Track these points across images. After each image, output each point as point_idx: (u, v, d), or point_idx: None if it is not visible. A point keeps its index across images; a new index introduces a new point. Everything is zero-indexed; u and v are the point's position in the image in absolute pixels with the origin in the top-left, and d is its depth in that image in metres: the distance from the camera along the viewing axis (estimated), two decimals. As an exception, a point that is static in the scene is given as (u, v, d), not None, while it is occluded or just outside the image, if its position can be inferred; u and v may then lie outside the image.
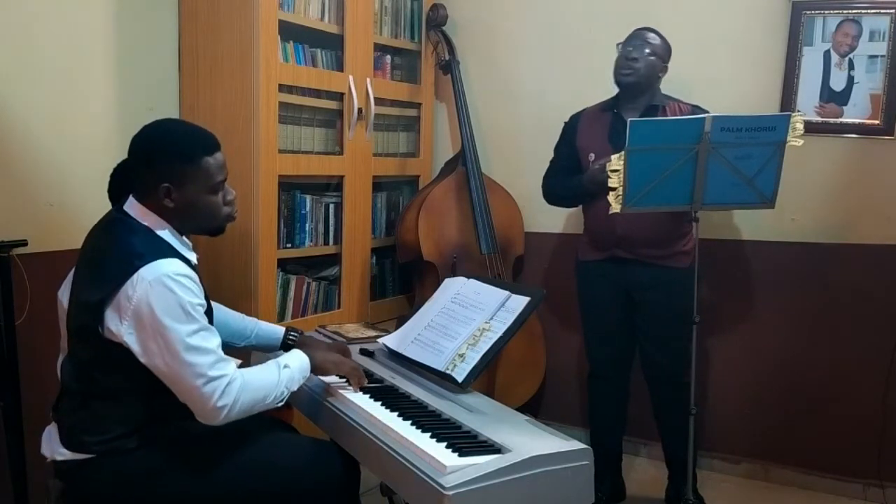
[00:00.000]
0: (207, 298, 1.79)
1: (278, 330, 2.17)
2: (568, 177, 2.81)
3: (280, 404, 1.78)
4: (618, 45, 2.74)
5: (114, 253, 1.70)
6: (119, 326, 1.64)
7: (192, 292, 1.67)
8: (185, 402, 1.68)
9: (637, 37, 2.72)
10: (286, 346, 2.11)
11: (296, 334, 2.17)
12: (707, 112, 2.70)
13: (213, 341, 1.69)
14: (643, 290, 2.73)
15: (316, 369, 1.90)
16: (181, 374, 1.64)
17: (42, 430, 1.87)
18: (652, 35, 2.72)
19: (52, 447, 1.79)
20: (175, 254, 1.73)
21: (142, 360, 1.65)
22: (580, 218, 3.29)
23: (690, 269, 2.59)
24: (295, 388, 1.82)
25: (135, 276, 1.63)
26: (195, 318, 1.66)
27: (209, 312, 1.78)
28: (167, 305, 1.62)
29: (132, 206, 1.77)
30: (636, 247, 2.69)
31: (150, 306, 1.62)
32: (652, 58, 2.68)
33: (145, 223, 1.75)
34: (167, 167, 1.73)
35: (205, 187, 1.76)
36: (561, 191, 2.90)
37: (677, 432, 2.68)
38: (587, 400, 3.01)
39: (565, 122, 2.93)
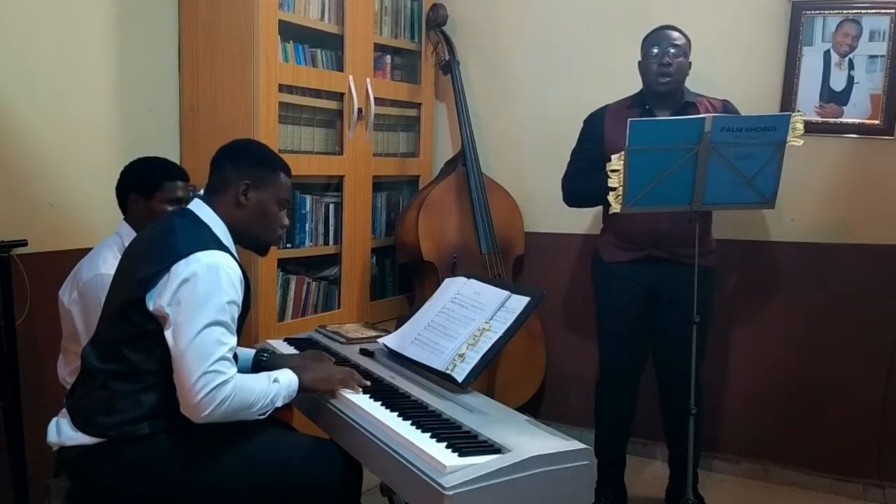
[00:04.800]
0: (248, 302, 1.88)
1: (249, 352, 2.18)
2: (592, 175, 2.61)
3: (262, 417, 1.79)
4: (646, 44, 2.70)
5: (175, 236, 1.79)
6: (163, 298, 1.72)
7: (235, 290, 1.77)
8: (177, 387, 1.71)
9: (663, 38, 2.67)
10: (257, 365, 2.11)
11: (266, 354, 2.17)
12: (736, 108, 2.72)
13: (229, 341, 1.74)
14: (674, 290, 2.65)
15: (305, 390, 1.90)
16: (187, 358, 1.68)
17: (43, 430, 1.87)
18: (676, 34, 2.68)
19: (61, 433, 1.82)
20: (231, 255, 1.83)
21: (166, 332, 1.71)
22: (581, 218, 3.31)
23: (714, 268, 2.74)
24: (279, 405, 1.83)
25: (191, 255, 1.73)
26: (225, 314, 1.73)
27: (242, 317, 1.86)
28: (208, 290, 1.71)
29: (199, 207, 1.89)
30: (677, 246, 2.62)
31: (195, 284, 1.71)
32: (681, 58, 2.66)
33: (208, 223, 1.86)
34: (252, 169, 1.91)
35: (275, 198, 1.94)
36: (586, 190, 2.74)
37: (687, 433, 2.62)
38: (595, 407, 2.93)
39: (586, 119, 2.85)
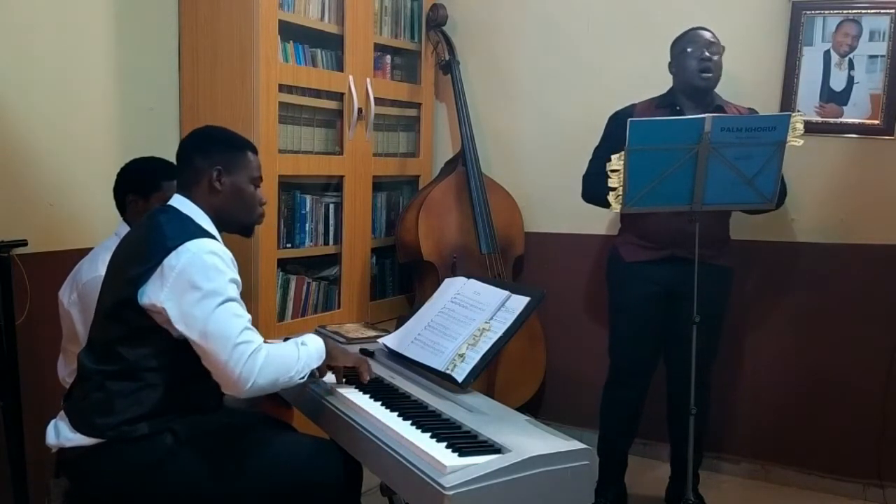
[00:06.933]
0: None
1: None
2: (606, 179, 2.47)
3: (301, 381, 1.81)
4: (680, 44, 2.69)
5: (161, 232, 1.79)
6: (159, 294, 1.72)
7: (231, 269, 1.78)
8: (212, 369, 1.71)
9: (699, 38, 2.67)
10: None
11: None
12: (758, 114, 2.71)
13: (245, 314, 1.76)
14: (691, 290, 2.55)
15: (329, 356, 1.91)
16: (212, 339, 1.69)
17: (43, 430, 1.87)
18: (710, 34, 2.69)
19: (60, 435, 1.82)
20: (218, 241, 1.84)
21: (177, 326, 1.71)
22: (581, 218, 3.31)
23: (732, 269, 2.77)
24: (314, 367, 1.85)
25: (181, 247, 1.73)
26: (233, 290, 1.75)
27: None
28: (209, 273, 1.73)
29: (179, 202, 1.89)
30: (701, 246, 2.52)
31: (193, 273, 1.72)
32: (717, 57, 2.66)
33: (190, 215, 1.86)
34: (220, 154, 1.92)
35: (248, 177, 1.95)
36: (601, 192, 2.54)
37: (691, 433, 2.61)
38: (601, 407, 2.91)
39: (611, 117, 2.80)
